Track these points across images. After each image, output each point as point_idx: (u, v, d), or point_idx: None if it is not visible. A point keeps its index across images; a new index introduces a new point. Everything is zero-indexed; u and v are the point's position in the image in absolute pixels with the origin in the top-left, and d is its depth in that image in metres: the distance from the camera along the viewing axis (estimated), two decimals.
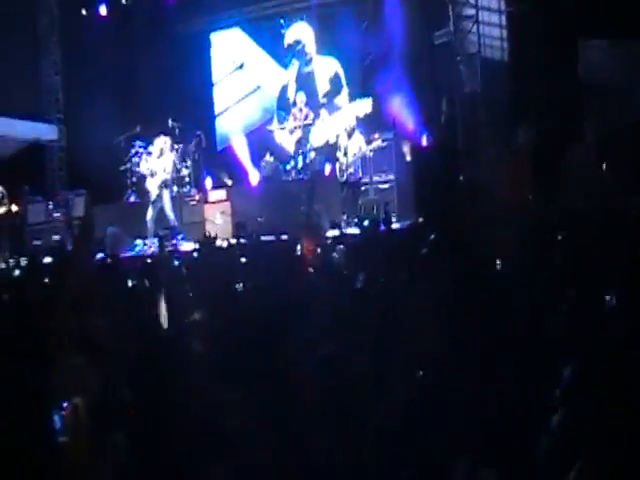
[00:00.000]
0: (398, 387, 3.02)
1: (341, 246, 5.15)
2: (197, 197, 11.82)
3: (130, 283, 5.73)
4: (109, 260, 6.98)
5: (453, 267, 4.46)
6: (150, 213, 11.22)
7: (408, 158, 11.26)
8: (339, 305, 4.06)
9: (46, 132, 14.67)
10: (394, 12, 12.28)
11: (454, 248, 5.39)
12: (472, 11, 11.97)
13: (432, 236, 6.39)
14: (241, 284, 4.96)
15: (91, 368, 3.24)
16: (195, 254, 6.66)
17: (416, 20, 12.04)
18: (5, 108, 13.26)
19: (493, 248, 4.96)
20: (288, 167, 12.57)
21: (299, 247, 6.60)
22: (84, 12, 14.71)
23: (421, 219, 8.40)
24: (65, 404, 2.84)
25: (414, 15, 12.06)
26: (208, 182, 12.71)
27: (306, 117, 12.19)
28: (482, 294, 3.64)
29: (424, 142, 10.78)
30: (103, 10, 14.66)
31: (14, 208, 12.23)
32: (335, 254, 5.08)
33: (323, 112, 13.05)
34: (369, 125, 11.27)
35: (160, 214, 11.26)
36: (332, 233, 8.63)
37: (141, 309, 4.50)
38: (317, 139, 12.59)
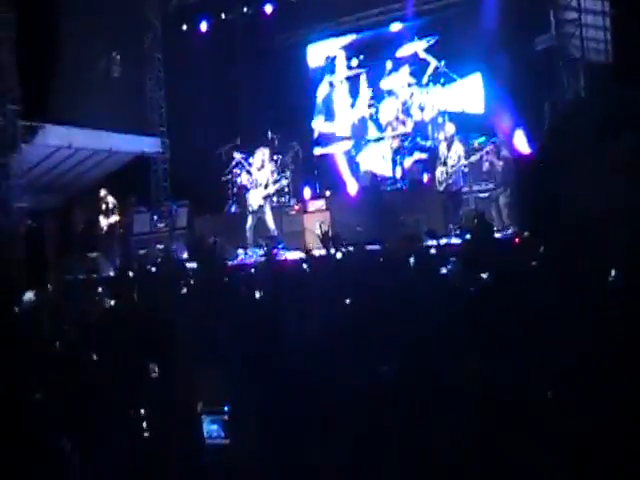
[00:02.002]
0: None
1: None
2: (296, 207, 12.00)
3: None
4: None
5: (562, 280, 4.39)
6: (250, 223, 11.46)
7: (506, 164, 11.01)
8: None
9: (151, 145, 15.24)
10: (492, 15, 12.09)
11: (562, 261, 5.29)
12: (574, 15, 11.62)
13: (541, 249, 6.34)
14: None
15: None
16: (305, 265, 6.72)
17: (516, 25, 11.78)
18: (114, 123, 13.90)
19: (600, 260, 4.83)
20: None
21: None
22: (185, 28, 15.24)
23: (526, 233, 8.27)
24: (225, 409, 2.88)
25: (514, 20, 11.81)
26: (306, 192, 12.92)
27: (404, 123, 12.13)
28: (596, 307, 3.58)
29: (526, 150, 10.51)
30: (204, 26, 15.17)
31: (117, 218, 12.65)
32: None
33: None
34: (469, 133, 11.10)
35: (260, 224, 11.48)
36: (430, 242, 8.57)
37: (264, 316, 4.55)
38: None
